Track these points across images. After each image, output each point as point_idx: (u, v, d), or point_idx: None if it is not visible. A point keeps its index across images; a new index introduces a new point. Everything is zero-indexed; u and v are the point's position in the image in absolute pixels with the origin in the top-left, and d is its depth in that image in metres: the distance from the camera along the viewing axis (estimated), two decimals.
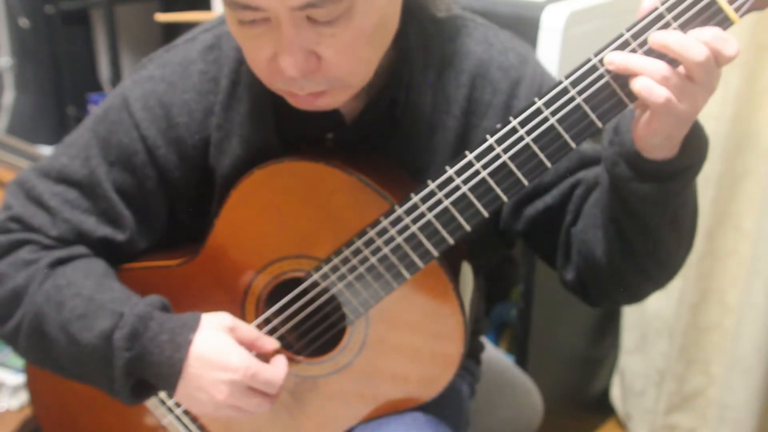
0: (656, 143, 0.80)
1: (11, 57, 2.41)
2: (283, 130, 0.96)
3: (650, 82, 0.75)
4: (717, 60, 0.74)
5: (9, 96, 2.43)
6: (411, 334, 0.97)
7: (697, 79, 0.75)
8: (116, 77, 2.35)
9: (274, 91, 0.89)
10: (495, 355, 1.45)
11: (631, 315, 1.94)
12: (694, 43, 0.73)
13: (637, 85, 0.76)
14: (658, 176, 0.82)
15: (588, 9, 1.47)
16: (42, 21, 2.40)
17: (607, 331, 1.97)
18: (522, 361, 1.68)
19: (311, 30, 0.80)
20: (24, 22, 2.38)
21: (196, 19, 2.16)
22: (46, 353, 0.97)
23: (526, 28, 1.43)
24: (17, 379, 1.88)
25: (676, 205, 0.87)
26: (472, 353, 1.24)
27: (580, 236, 0.94)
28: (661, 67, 0.75)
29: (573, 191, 0.96)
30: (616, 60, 0.77)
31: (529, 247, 1.02)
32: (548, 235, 0.98)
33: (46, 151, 2.14)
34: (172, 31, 2.50)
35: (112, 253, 1.01)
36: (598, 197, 0.91)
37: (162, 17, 2.20)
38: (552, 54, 1.42)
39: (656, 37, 0.75)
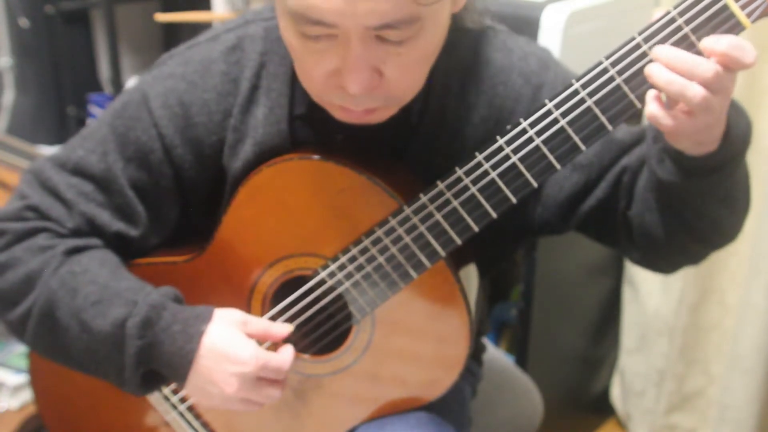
0: (686, 147, 0.81)
1: (11, 57, 2.40)
2: (296, 135, 0.96)
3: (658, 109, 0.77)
4: (732, 68, 0.74)
5: (9, 96, 2.43)
6: (416, 333, 0.97)
7: (713, 90, 0.75)
8: (116, 77, 2.35)
9: (322, 105, 0.89)
10: (495, 355, 1.45)
11: (631, 315, 1.94)
12: (701, 62, 0.74)
13: (647, 112, 0.77)
14: (702, 171, 0.83)
15: (588, 9, 1.47)
16: (42, 21, 2.40)
17: (607, 331, 1.97)
18: (522, 361, 1.68)
19: (379, 48, 0.80)
20: (24, 22, 2.37)
21: (196, 19, 2.16)
22: (54, 340, 0.97)
23: (526, 28, 1.43)
24: (17, 379, 1.88)
25: (726, 189, 0.88)
26: (474, 354, 1.24)
27: (639, 220, 0.95)
28: (677, 88, 0.75)
29: (620, 179, 0.97)
30: (662, 56, 0.76)
31: (588, 237, 1.03)
32: (606, 224, 0.99)
33: (46, 151, 2.14)
34: (172, 31, 2.50)
35: (125, 248, 1.01)
36: (648, 183, 0.91)
37: (162, 17, 2.20)
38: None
39: (662, 54, 0.76)
